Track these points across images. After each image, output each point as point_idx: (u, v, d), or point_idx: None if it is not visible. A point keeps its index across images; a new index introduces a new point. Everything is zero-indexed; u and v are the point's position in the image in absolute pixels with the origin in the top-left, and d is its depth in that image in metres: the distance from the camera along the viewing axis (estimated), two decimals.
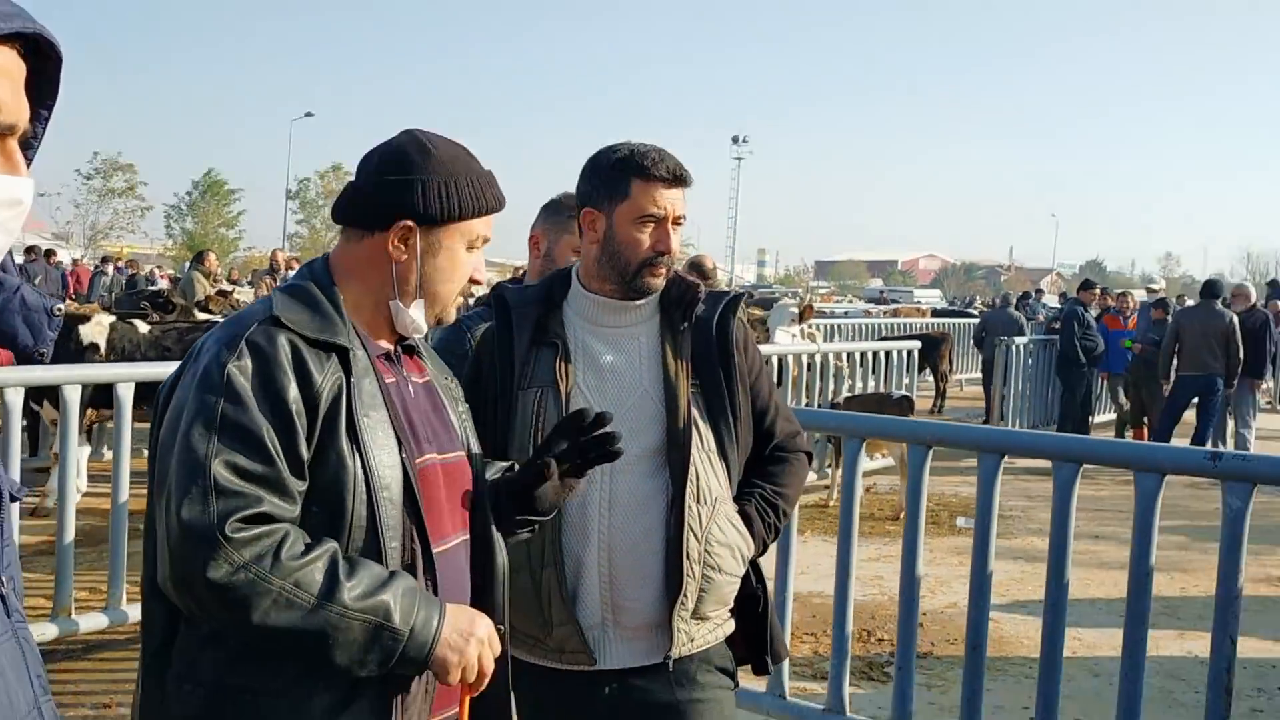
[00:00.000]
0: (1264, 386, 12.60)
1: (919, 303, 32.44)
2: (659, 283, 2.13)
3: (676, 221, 2.10)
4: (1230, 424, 11.06)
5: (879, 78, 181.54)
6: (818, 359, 9.54)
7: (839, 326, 16.77)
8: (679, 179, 2.09)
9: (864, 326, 17.74)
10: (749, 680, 4.19)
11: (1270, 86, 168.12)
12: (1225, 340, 10.32)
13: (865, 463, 9.11)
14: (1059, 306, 17.23)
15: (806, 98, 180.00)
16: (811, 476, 9.04)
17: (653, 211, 2.07)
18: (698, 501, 2.06)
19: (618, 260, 2.10)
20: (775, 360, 8.75)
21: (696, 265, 7.56)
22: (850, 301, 36.19)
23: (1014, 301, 17.83)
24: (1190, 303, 13.50)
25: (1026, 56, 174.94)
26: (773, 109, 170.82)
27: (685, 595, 2.04)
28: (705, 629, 2.11)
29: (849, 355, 10.37)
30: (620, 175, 2.08)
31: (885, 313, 23.60)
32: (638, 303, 2.15)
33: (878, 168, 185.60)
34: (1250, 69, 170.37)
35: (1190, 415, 10.71)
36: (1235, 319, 10.51)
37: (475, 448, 1.80)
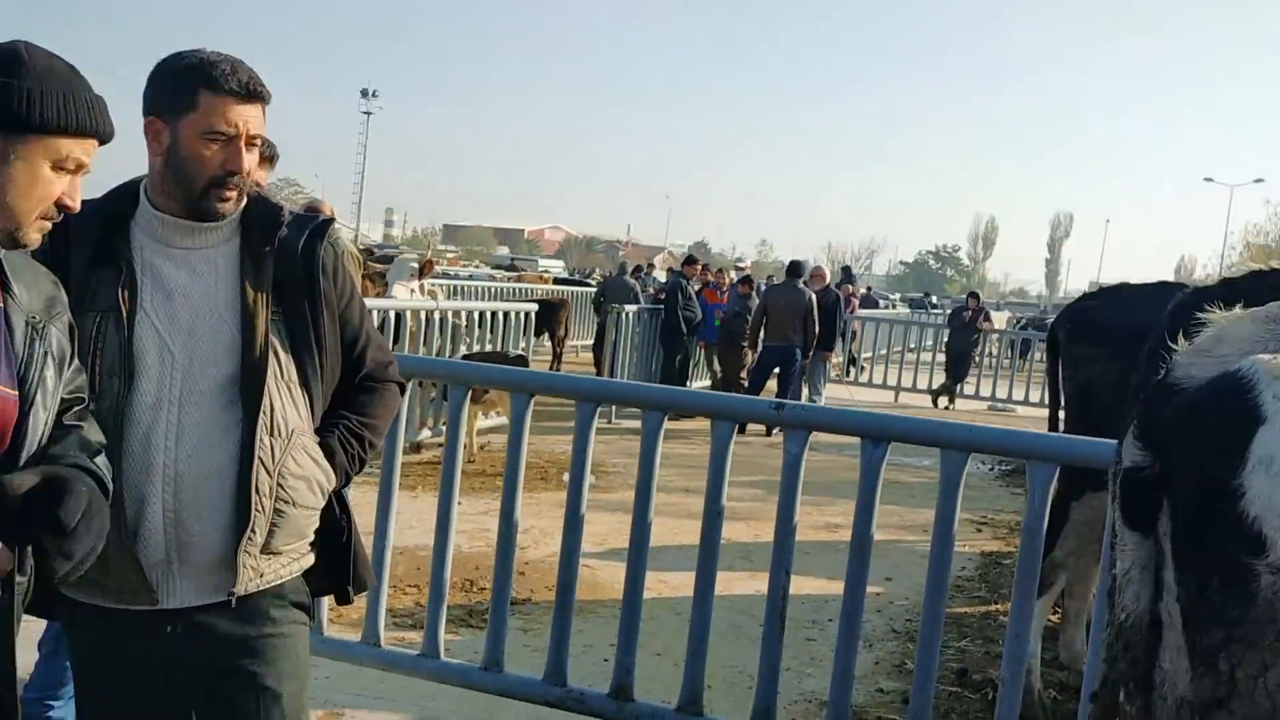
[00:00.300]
0: (834, 359, 14.19)
1: (544, 271, 33.36)
2: (229, 206, 1.99)
3: (251, 141, 1.97)
4: (805, 391, 12.37)
5: (513, 48, 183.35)
6: (436, 316, 9.52)
7: (461, 287, 16.82)
8: (254, 94, 1.95)
9: (486, 289, 17.92)
10: (344, 631, 4.14)
11: (854, 99, 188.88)
12: (804, 315, 11.54)
13: (481, 420, 9.28)
14: (666, 281, 18.40)
15: (442, 60, 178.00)
16: (426, 433, 9.05)
17: (222, 129, 1.92)
18: (271, 434, 1.97)
19: (182, 178, 1.95)
20: (393, 315, 8.63)
21: (312, 210, 7.25)
22: (477, 266, 36.44)
23: (630, 270, 18.75)
24: (778, 282, 14.90)
25: (651, 46, 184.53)
26: (407, 68, 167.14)
27: (254, 530, 1.96)
28: (278, 564, 2.04)
29: (468, 314, 10.45)
30: (187, 85, 1.92)
31: (510, 278, 24.00)
32: (212, 224, 2.01)
33: (510, 137, 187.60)
34: (846, 81, 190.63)
35: (773, 383, 11.89)
36: (813, 296, 11.78)
37: (41, 396, 1.65)
